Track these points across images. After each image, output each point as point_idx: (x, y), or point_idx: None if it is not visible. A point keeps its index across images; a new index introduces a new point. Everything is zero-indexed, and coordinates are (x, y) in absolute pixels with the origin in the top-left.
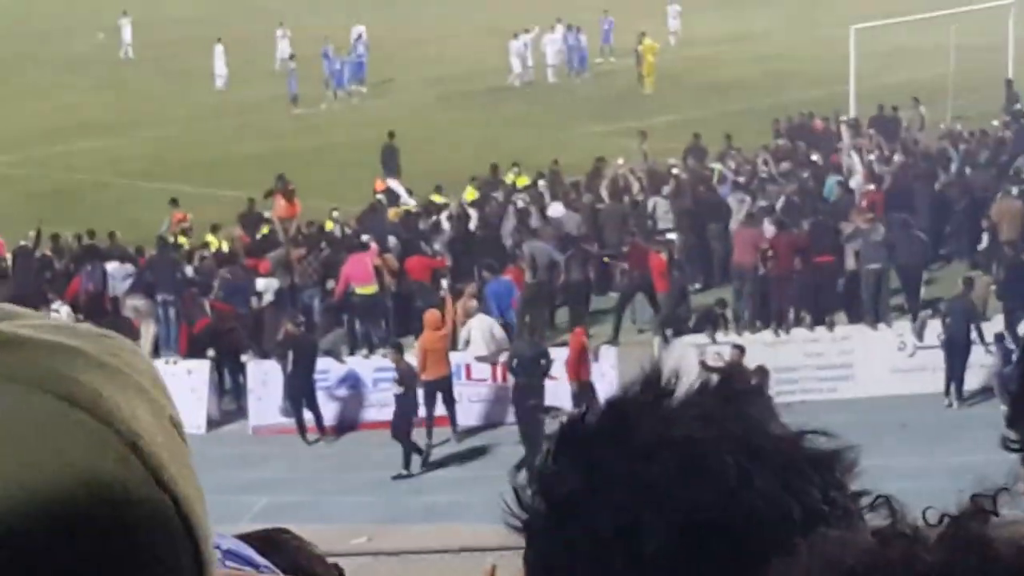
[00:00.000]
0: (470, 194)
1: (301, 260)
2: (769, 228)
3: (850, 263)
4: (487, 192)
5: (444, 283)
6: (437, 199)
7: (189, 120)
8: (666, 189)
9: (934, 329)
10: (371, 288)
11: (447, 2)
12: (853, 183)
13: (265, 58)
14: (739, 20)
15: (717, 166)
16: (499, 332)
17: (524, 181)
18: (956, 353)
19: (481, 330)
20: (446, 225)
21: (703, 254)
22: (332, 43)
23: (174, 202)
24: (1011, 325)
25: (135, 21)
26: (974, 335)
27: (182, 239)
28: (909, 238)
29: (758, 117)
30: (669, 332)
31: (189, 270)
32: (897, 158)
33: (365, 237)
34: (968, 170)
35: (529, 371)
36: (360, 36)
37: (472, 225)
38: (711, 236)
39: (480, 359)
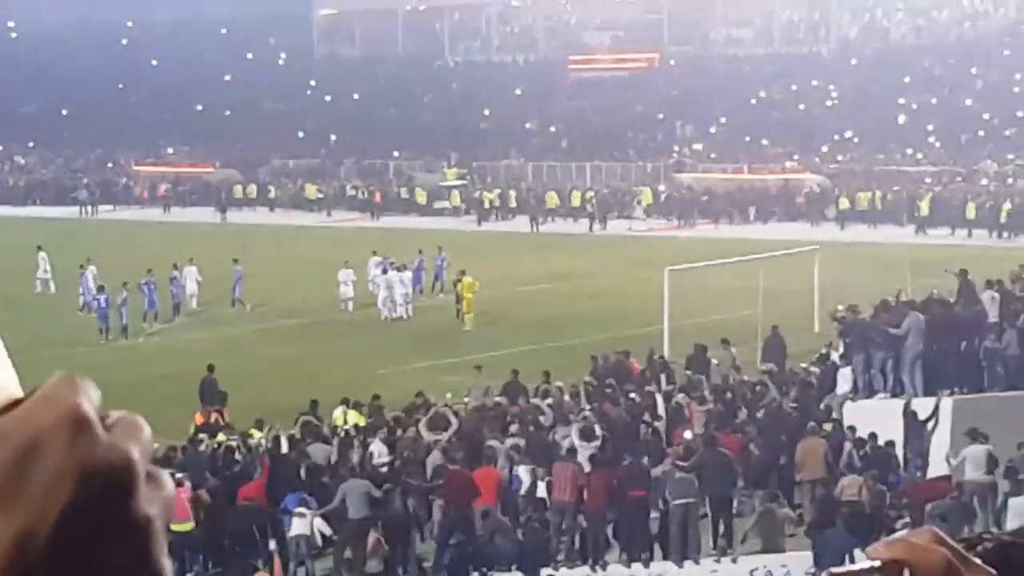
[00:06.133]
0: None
1: None
2: (587, 465)
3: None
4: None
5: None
6: (256, 434)
7: None
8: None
9: (748, 563)
10: (187, 525)
11: (273, 241)
12: (661, 424)
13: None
14: (558, 262)
15: (536, 401)
16: None
17: (359, 419)
18: None
19: None
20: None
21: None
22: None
23: None
24: (819, 562)
25: None
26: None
27: None
28: (719, 471)
29: (574, 354)
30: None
31: None
32: (708, 395)
33: (178, 475)
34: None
35: None
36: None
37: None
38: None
39: None
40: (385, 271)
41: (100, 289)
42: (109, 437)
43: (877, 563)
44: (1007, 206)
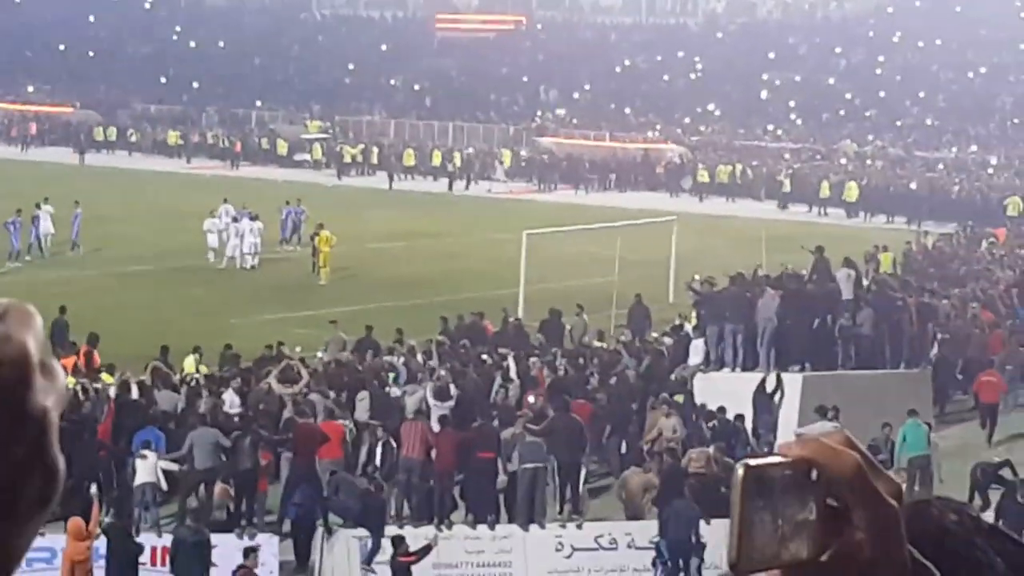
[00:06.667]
0: (107, 378)
1: None
2: (435, 424)
3: (513, 464)
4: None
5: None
6: (107, 379)
7: None
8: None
9: (593, 530)
10: None
11: (132, 185)
12: (512, 388)
13: None
14: (416, 220)
15: (389, 358)
16: None
17: (204, 369)
18: None
19: None
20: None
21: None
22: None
23: None
24: (664, 532)
25: None
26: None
27: None
28: (569, 436)
29: (430, 313)
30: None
31: None
32: (560, 362)
33: None
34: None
35: (191, 561)
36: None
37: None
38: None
39: None
40: (237, 219)
41: None
42: (2, 328)
43: (787, 459)
44: (859, 185)
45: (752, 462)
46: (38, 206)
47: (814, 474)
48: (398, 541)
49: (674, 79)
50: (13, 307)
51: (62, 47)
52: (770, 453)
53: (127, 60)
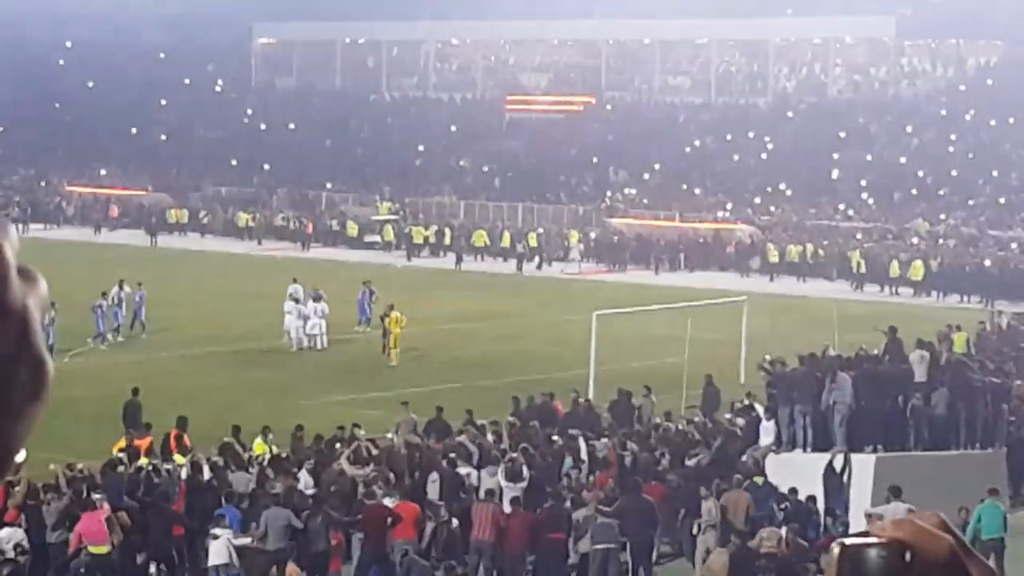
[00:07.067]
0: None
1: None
2: (507, 506)
3: (584, 545)
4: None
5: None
6: (179, 459)
7: None
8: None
9: None
10: (104, 548)
11: (203, 267)
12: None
13: None
14: (486, 301)
15: (461, 439)
16: None
17: (262, 448)
18: None
19: None
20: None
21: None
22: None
23: None
24: None
25: None
26: None
27: None
28: (641, 517)
29: (499, 394)
30: None
31: None
32: (632, 441)
33: (96, 496)
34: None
35: None
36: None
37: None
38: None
39: None
40: (304, 300)
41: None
42: None
43: (881, 540)
44: (929, 263)
45: (847, 541)
46: (120, 287)
47: (908, 556)
48: None
49: (744, 158)
50: None
51: (134, 131)
52: (850, 534)
53: (198, 143)
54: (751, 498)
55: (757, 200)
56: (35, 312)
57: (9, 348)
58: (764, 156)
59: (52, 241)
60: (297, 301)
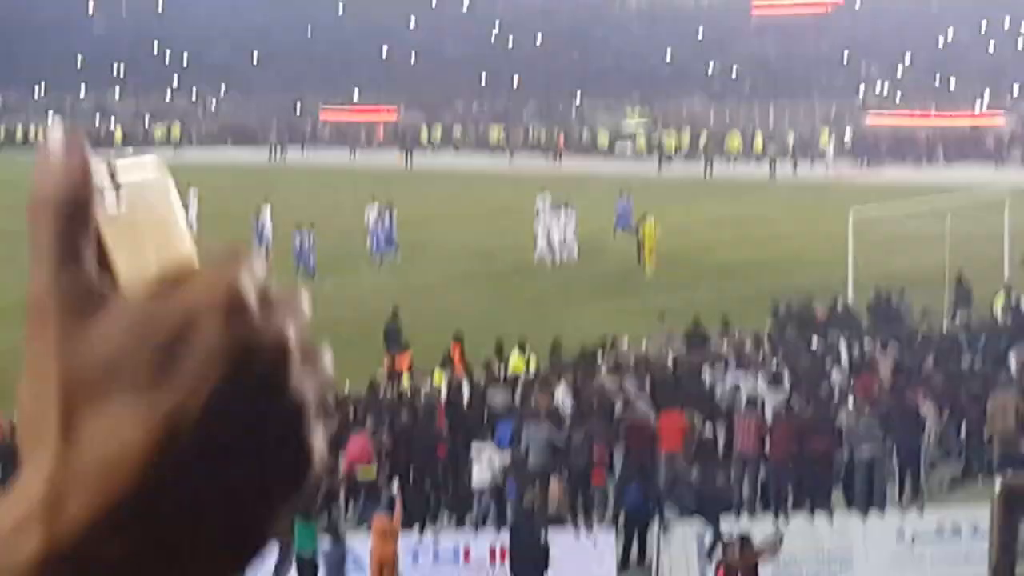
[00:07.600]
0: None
1: None
2: (769, 413)
3: (849, 452)
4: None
5: None
6: (438, 378)
7: None
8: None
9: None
10: (370, 469)
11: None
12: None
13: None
14: (740, 206)
15: (721, 350)
16: None
17: (520, 363)
18: None
19: None
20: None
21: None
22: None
23: None
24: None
25: None
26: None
27: None
28: (907, 421)
29: (757, 301)
30: (671, 515)
31: None
32: (892, 345)
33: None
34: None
35: (528, 559)
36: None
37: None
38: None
39: None
40: (558, 212)
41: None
42: (265, 317)
43: None
44: None
45: None
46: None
47: None
48: (745, 542)
49: (1000, 48)
50: (282, 293)
51: (384, 53)
52: None
53: (447, 62)
54: (1019, 399)
55: (1015, 90)
56: (313, 405)
57: (280, 445)
58: (1020, 46)
59: (308, 165)
60: (548, 213)
